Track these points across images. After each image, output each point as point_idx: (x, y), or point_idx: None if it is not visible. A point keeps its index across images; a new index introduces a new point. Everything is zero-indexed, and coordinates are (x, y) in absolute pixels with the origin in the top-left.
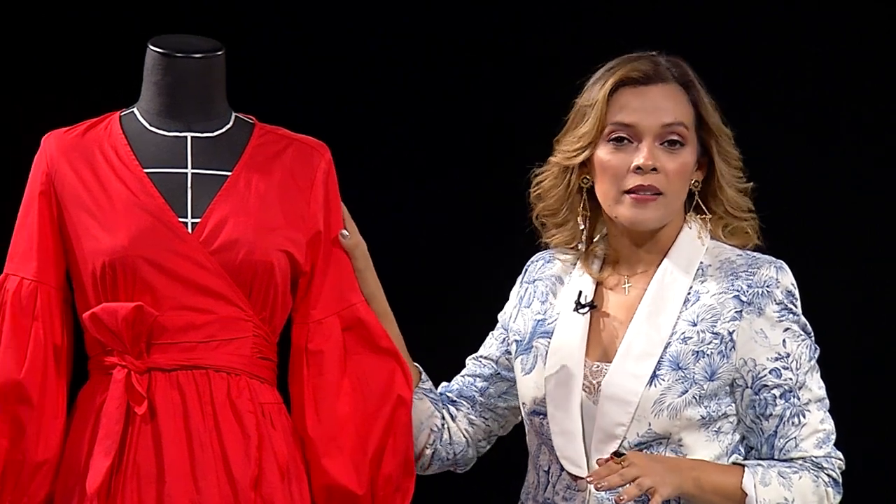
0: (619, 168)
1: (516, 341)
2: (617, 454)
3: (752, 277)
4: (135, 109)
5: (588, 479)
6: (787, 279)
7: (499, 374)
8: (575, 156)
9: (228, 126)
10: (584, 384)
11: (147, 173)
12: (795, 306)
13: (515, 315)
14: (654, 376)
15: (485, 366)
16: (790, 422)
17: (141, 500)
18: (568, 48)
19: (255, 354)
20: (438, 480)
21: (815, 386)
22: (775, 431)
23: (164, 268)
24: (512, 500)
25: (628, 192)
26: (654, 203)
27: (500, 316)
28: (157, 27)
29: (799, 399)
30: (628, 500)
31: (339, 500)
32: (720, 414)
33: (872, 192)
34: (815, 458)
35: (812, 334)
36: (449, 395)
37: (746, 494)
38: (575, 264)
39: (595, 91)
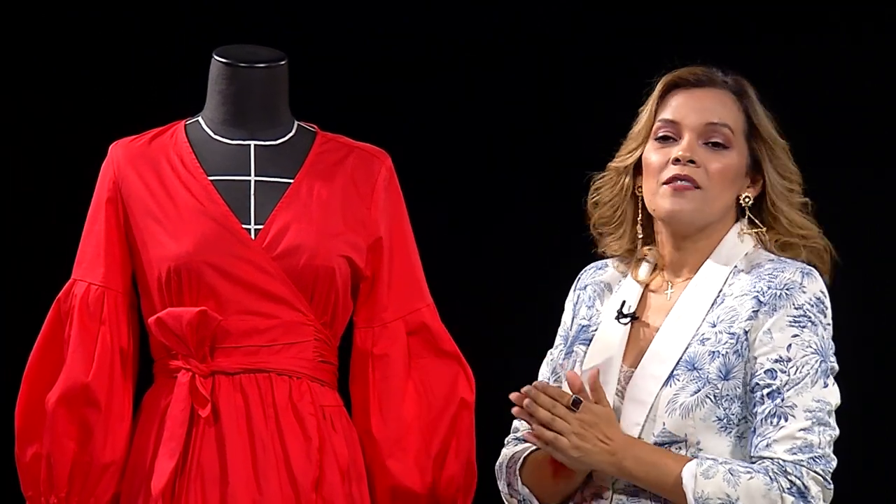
0: (660, 162)
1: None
2: (576, 402)
3: (774, 280)
4: (199, 118)
5: (523, 391)
6: (815, 286)
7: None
8: (628, 157)
9: (291, 134)
10: (616, 389)
11: (211, 181)
12: (822, 315)
13: (571, 323)
14: (670, 377)
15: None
16: (768, 420)
17: (205, 500)
18: (569, 48)
19: (316, 358)
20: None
21: (811, 398)
22: (755, 429)
23: (227, 273)
24: None
25: (666, 182)
26: (690, 193)
27: (560, 334)
28: (157, 27)
29: (783, 401)
30: (533, 440)
31: (402, 501)
32: (740, 417)
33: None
34: (783, 461)
35: (830, 351)
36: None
37: (683, 481)
38: (627, 273)
39: (654, 92)
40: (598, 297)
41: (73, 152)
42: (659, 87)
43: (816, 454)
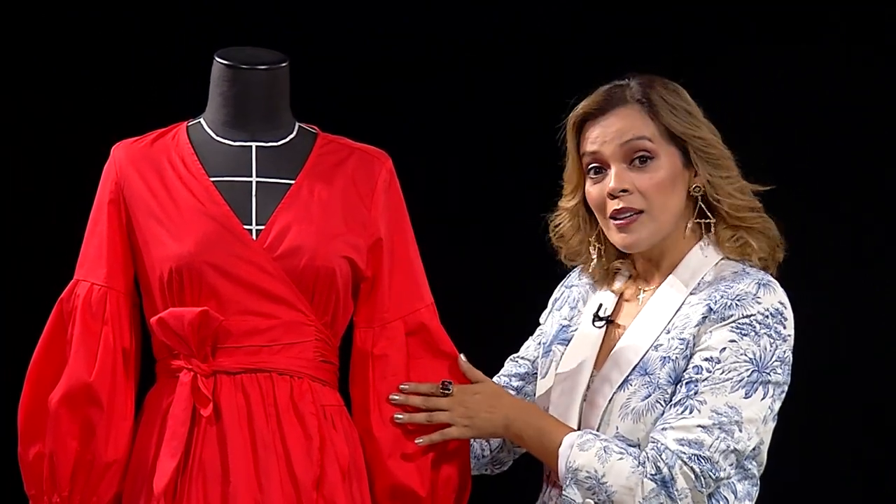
0: (599, 197)
1: (542, 343)
2: (445, 385)
3: (729, 290)
4: (201, 120)
5: (395, 400)
6: (771, 298)
7: (534, 374)
8: (572, 197)
9: (292, 136)
10: (584, 394)
11: (213, 182)
12: (778, 326)
13: (547, 317)
14: (625, 381)
15: (521, 365)
16: (675, 407)
17: (206, 499)
18: (569, 48)
19: (317, 358)
20: (485, 481)
21: (724, 402)
22: (663, 412)
23: (229, 273)
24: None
25: (612, 217)
26: (636, 223)
27: (541, 318)
28: (157, 27)
29: (696, 394)
30: (425, 443)
31: (402, 501)
32: None
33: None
34: (663, 446)
35: (774, 364)
36: None
37: (560, 449)
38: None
39: (567, 132)
40: (581, 300)
41: (73, 152)
42: (570, 125)
43: (702, 454)
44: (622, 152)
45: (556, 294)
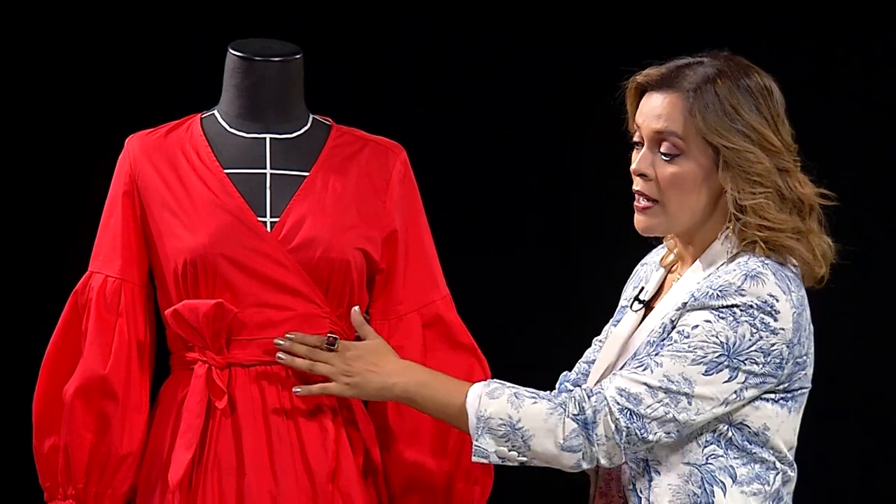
0: (633, 172)
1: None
2: (330, 341)
3: (716, 280)
4: (215, 112)
5: (280, 352)
6: (758, 289)
7: None
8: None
9: (306, 127)
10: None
11: (227, 174)
12: (766, 317)
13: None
14: (623, 366)
15: (597, 350)
16: (632, 362)
17: (221, 492)
18: (572, 48)
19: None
20: (511, 473)
21: (679, 370)
22: (623, 365)
23: (243, 266)
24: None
25: (636, 193)
26: (649, 211)
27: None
28: (155, 28)
29: (656, 356)
30: (303, 393)
31: (419, 492)
32: None
33: None
34: (595, 389)
35: (754, 354)
36: (567, 384)
37: (467, 401)
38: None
39: (627, 93)
40: (644, 279)
41: (87, 144)
42: (630, 88)
43: (635, 410)
44: (654, 138)
45: (634, 271)
